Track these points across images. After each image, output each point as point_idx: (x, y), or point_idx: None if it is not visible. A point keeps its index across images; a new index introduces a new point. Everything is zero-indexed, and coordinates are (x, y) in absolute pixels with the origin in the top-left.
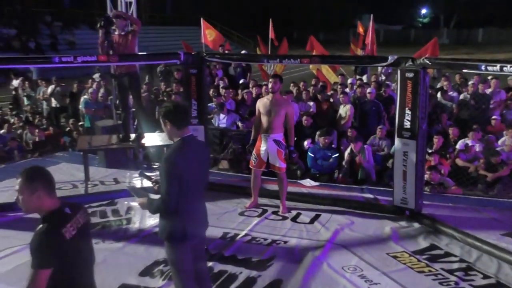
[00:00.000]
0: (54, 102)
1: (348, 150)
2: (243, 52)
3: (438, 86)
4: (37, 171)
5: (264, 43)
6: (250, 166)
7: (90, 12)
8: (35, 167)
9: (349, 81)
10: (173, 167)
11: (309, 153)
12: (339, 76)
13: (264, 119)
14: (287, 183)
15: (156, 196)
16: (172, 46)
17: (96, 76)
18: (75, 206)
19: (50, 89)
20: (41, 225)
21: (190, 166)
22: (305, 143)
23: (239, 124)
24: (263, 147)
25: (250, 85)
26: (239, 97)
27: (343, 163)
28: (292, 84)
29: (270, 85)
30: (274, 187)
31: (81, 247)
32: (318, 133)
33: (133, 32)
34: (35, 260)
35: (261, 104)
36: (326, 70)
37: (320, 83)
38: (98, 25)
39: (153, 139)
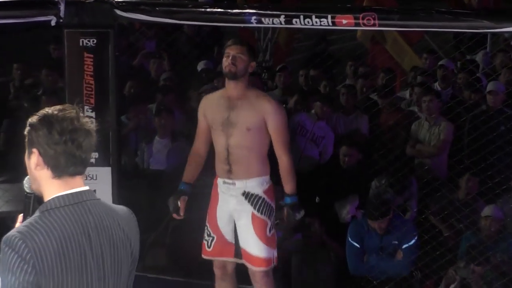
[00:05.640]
0: None
1: None
2: None
3: None
4: None
5: None
6: (203, 255)
7: None
8: None
9: (441, 62)
10: (19, 272)
11: (350, 239)
12: (424, 57)
13: (218, 141)
14: None
15: None
16: None
17: None
18: None
19: None
20: None
21: (75, 270)
22: (346, 209)
23: None
24: (222, 209)
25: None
26: (192, 102)
27: None
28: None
29: (226, 62)
30: None
31: None
32: (374, 183)
33: None
34: None
35: (209, 107)
36: (392, 42)
37: (381, 74)
38: None
39: None
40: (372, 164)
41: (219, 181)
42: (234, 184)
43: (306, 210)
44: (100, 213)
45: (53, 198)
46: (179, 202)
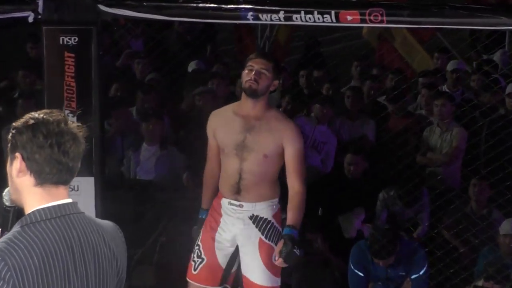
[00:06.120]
0: None
1: None
2: None
3: None
4: None
5: None
6: (188, 278)
7: None
8: None
9: (451, 66)
10: None
11: (353, 267)
12: (435, 57)
13: (230, 164)
14: None
15: None
16: None
17: None
18: None
19: None
20: None
21: None
22: (351, 223)
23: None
24: (224, 231)
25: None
26: (184, 105)
27: None
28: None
29: (247, 76)
30: None
31: None
32: (382, 194)
33: None
34: None
35: (219, 126)
36: (402, 40)
37: (389, 75)
38: None
39: None
40: (379, 173)
41: (224, 201)
42: (241, 206)
43: (307, 225)
44: (85, 227)
45: (33, 212)
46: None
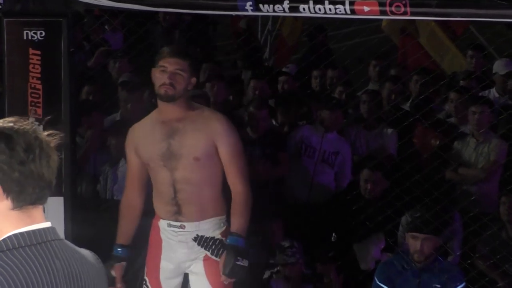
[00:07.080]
0: None
1: None
2: None
3: None
4: None
5: None
6: None
7: None
8: None
9: (498, 68)
10: None
11: (379, 281)
12: (469, 54)
13: (160, 179)
14: None
15: None
16: None
17: None
18: None
19: None
20: None
21: None
22: (368, 253)
23: None
24: (167, 259)
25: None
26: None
27: None
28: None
29: (161, 80)
30: None
31: None
32: (406, 218)
33: None
34: None
35: (141, 139)
36: (429, 35)
37: (414, 76)
38: None
39: None
40: (402, 193)
41: (162, 223)
42: (183, 227)
43: (318, 254)
44: (69, 258)
45: (9, 237)
46: (113, 272)
